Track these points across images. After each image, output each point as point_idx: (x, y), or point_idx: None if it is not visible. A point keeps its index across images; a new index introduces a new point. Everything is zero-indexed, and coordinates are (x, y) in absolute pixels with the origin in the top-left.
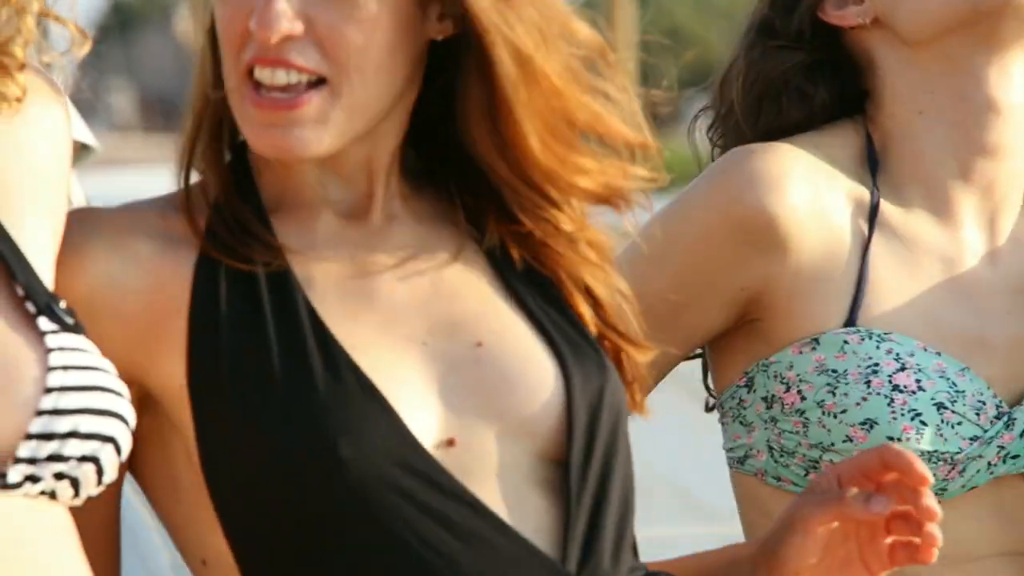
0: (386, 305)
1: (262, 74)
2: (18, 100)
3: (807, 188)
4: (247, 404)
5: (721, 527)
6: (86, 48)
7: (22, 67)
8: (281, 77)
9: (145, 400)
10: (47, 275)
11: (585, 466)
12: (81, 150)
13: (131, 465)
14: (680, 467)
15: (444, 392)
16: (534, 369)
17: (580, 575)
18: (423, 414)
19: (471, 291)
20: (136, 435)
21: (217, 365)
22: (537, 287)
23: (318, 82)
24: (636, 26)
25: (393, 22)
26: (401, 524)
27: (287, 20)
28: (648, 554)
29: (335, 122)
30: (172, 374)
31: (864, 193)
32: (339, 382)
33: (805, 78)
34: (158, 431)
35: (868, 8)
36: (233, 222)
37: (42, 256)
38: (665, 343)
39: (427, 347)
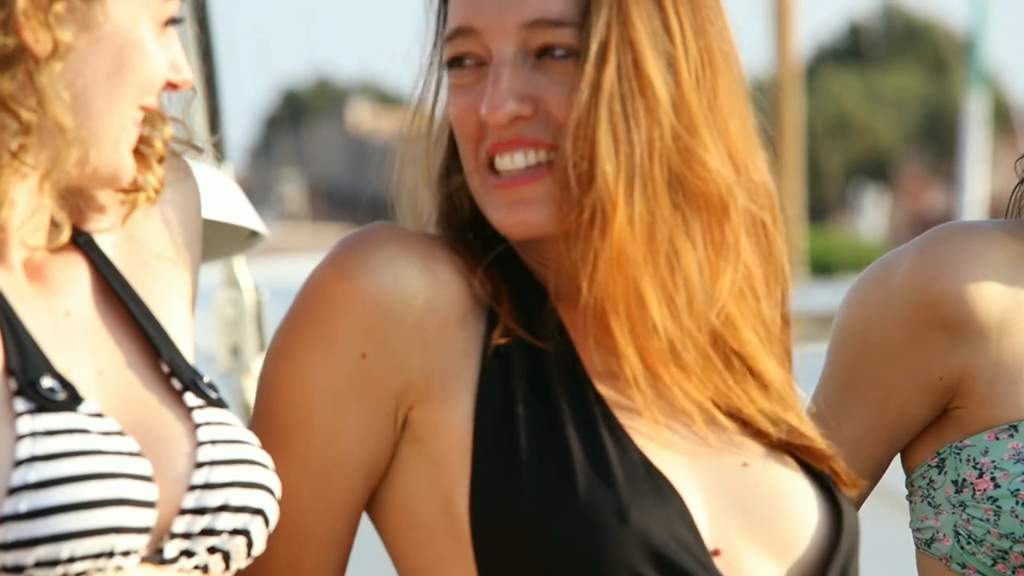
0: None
1: (502, 161)
2: (156, 192)
3: (1009, 274)
4: (539, 460)
5: None
6: (200, 156)
7: (161, 159)
8: (519, 160)
9: (409, 427)
10: (188, 351)
11: None
12: (250, 237)
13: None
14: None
15: (712, 504)
16: (801, 497)
17: None
18: (700, 519)
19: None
20: (389, 462)
21: (508, 418)
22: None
23: (549, 164)
24: (803, 114)
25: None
26: None
27: (514, 101)
28: None
29: (558, 200)
30: (457, 415)
31: None
32: (630, 464)
33: None
34: (410, 461)
35: None
36: (520, 298)
37: (183, 333)
38: (873, 444)
39: (696, 457)
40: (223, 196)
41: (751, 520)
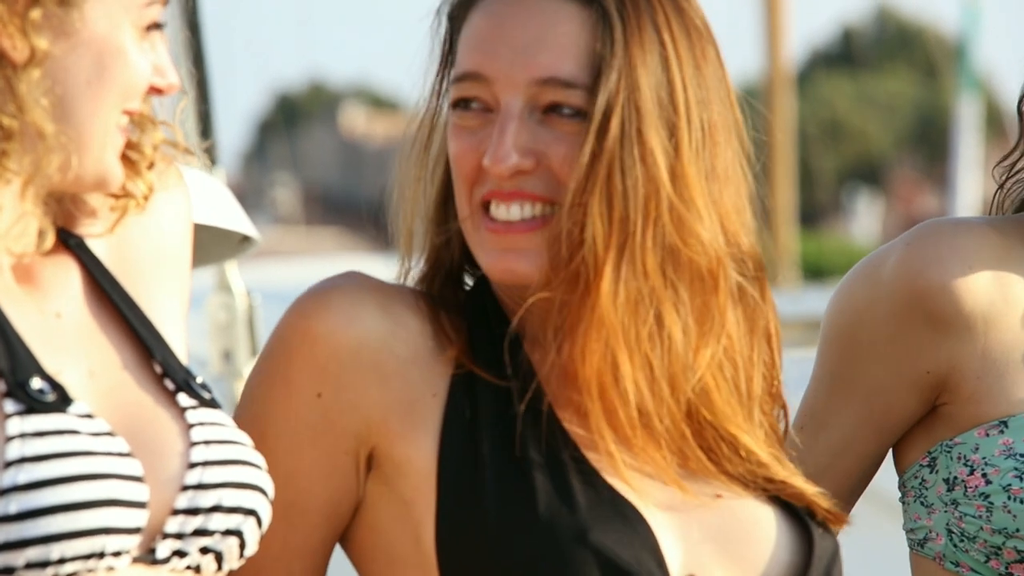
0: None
1: (498, 211)
2: (145, 198)
3: (995, 268)
4: (502, 490)
5: None
6: (192, 161)
7: (151, 165)
8: (515, 212)
9: (377, 467)
10: (181, 352)
11: None
12: (243, 241)
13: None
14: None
15: (685, 532)
16: (770, 524)
17: None
18: (669, 545)
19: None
20: (358, 500)
21: (472, 452)
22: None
23: (544, 217)
24: (795, 118)
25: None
26: None
27: (518, 155)
28: None
29: (548, 256)
30: (421, 452)
31: None
32: (594, 492)
33: None
34: (382, 500)
35: None
36: (489, 340)
37: (176, 335)
38: (861, 441)
39: (667, 488)
40: (215, 201)
41: (726, 548)
